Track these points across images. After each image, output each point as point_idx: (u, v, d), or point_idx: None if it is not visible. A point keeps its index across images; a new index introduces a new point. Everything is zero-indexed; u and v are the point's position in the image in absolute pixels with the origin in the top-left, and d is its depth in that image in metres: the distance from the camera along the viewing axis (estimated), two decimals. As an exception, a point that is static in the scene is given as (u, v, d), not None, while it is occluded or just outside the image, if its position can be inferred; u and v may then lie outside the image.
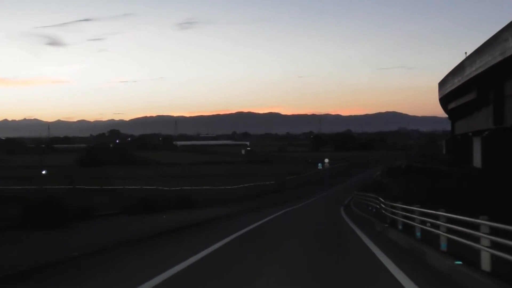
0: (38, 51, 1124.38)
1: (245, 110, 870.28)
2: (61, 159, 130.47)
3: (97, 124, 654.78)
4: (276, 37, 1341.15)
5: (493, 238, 9.38)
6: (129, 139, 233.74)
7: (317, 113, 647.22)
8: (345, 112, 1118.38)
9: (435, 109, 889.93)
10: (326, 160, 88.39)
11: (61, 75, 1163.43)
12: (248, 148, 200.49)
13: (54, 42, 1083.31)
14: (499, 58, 36.88)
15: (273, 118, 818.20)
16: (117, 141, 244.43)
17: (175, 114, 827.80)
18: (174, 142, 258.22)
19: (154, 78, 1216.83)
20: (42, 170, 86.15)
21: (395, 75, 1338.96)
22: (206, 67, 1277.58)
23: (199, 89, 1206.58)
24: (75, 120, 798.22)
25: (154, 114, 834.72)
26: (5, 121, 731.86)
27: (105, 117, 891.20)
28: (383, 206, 23.91)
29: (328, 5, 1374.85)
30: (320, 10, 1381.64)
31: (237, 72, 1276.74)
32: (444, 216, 12.49)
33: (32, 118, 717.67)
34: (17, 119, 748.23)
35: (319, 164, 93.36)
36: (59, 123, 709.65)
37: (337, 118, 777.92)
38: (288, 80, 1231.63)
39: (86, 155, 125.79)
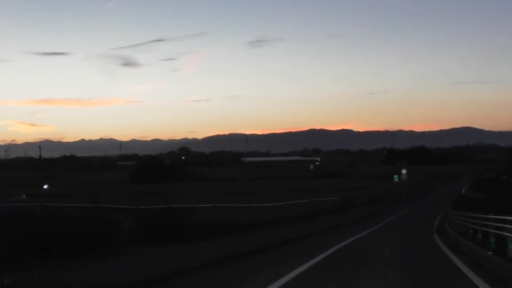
0: (113, 72, 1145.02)
1: (317, 127, 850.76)
2: (115, 176, 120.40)
3: (170, 142, 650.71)
4: (347, 53, 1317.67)
5: None
6: (183, 157, 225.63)
7: (390, 129, 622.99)
8: (418, 128, 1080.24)
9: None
10: (404, 171, 72.71)
11: (135, 95, 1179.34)
12: (317, 163, 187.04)
13: (128, 63, 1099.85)
14: None
15: (345, 134, 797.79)
16: (183, 157, 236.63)
17: (247, 132, 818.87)
18: (242, 159, 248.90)
19: (226, 96, 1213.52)
20: (44, 185, 74.40)
21: (470, 89, 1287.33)
22: (277, 85, 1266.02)
23: (271, 107, 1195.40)
24: (149, 139, 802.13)
25: (226, 132, 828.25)
26: (83, 140, 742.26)
27: (178, 136, 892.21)
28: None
29: (400, 20, 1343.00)
30: (392, 25, 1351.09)
31: (309, 89, 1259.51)
32: None
33: (108, 137, 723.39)
34: (93, 139, 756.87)
35: (395, 177, 78.43)
36: (133, 142, 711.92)
37: (411, 134, 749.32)
38: (360, 96, 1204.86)
39: (137, 172, 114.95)
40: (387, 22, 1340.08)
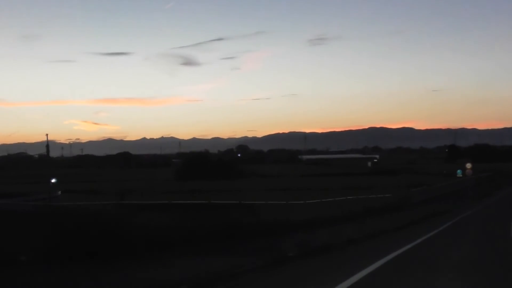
0: (174, 71, 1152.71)
1: (377, 125, 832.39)
2: (164, 173, 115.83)
3: (230, 141, 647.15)
4: (408, 51, 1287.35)
5: None
6: (239, 154, 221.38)
7: (452, 127, 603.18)
8: (481, 125, 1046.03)
9: None
10: (469, 165, 63.63)
11: (195, 94, 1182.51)
12: (375, 160, 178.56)
13: (188, 62, 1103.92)
14: None
15: (406, 132, 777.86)
16: (239, 155, 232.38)
17: (307, 130, 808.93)
18: (300, 156, 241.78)
19: (286, 95, 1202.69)
20: (52, 179, 69.88)
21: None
22: (337, 83, 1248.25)
23: (331, 105, 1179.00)
24: (209, 137, 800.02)
25: (286, 131, 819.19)
26: (144, 139, 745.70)
27: (238, 134, 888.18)
28: None
29: (463, 16, 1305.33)
30: (455, 22, 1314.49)
31: (369, 87, 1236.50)
32: None
33: (169, 136, 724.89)
34: (155, 137, 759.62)
35: (459, 171, 70.06)
36: (194, 141, 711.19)
37: (473, 132, 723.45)
38: (422, 94, 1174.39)
39: (183, 169, 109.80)
40: (449, 18, 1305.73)
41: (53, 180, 69.53)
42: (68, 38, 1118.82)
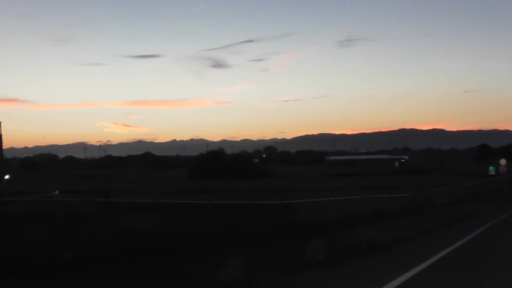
0: (203, 73, 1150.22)
1: (408, 126, 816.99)
2: (181, 173, 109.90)
3: (259, 143, 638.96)
4: (439, 52, 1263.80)
5: None
6: (264, 155, 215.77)
7: (483, 129, 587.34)
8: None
9: None
10: (503, 162, 54.98)
11: (224, 95, 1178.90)
12: (402, 161, 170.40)
13: (218, 64, 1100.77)
14: None
15: (437, 134, 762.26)
16: (263, 155, 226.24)
17: (336, 132, 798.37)
18: (327, 157, 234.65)
19: (315, 96, 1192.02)
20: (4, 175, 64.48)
21: None
22: (367, 84, 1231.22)
23: (360, 107, 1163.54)
24: (239, 139, 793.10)
25: (315, 132, 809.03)
26: (174, 141, 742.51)
27: (267, 136, 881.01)
28: None
29: (495, 17, 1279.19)
30: (486, 22, 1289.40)
31: (399, 89, 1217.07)
32: None
33: (199, 138, 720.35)
34: (184, 139, 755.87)
35: (491, 168, 62.15)
36: (224, 142, 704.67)
37: (506, 133, 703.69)
38: (453, 95, 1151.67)
39: (197, 168, 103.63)
40: (481, 19, 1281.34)
41: (6, 177, 64.08)
42: (99, 41, 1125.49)
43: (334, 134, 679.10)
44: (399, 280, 10.29)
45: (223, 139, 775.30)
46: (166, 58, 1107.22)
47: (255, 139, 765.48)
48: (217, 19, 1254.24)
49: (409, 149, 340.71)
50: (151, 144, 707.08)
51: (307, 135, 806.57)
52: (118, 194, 54.07)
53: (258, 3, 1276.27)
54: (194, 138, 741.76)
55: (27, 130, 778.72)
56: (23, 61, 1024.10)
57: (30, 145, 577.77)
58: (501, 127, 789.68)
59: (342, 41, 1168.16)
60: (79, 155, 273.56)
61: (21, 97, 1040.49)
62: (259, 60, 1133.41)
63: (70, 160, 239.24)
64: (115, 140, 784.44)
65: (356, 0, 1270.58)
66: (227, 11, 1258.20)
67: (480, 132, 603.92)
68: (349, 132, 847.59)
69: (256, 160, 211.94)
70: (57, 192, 58.28)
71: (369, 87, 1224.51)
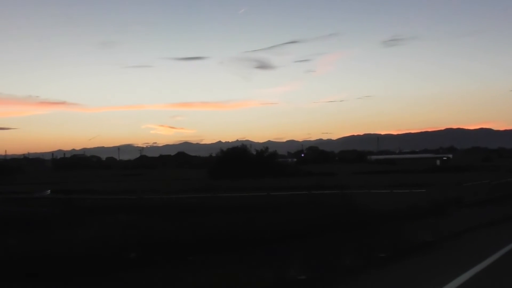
0: (248, 74, 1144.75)
1: (454, 126, 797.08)
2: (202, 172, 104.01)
3: (305, 143, 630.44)
4: (486, 50, 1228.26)
5: None
6: (303, 154, 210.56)
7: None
8: None
9: None
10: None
11: (269, 97, 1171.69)
12: (444, 159, 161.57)
13: (262, 65, 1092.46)
14: None
15: (485, 133, 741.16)
16: (302, 155, 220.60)
17: (382, 132, 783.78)
18: (369, 157, 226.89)
19: (360, 97, 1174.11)
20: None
21: None
22: (413, 84, 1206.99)
23: (406, 107, 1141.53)
24: (284, 140, 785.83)
25: (361, 133, 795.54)
26: (219, 142, 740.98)
27: (313, 137, 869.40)
28: None
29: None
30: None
31: (446, 88, 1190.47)
32: None
33: (244, 139, 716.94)
34: (230, 141, 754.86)
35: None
36: (269, 143, 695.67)
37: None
38: (500, 94, 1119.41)
39: (216, 167, 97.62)
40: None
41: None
42: (144, 44, 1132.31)
43: (380, 134, 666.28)
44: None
45: (269, 140, 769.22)
46: (211, 60, 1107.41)
47: (300, 140, 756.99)
48: (261, 21, 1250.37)
49: (455, 149, 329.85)
50: (197, 145, 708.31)
51: (353, 136, 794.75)
52: (109, 193, 48.33)
53: (302, 4, 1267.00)
54: (239, 139, 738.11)
55: (75, 132, 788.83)
56: (71, 64, 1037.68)
57: (77, 147, 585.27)
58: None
59: (387, 41, 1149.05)
60: (127, 156, 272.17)
61: (70, 100, 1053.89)
62: (304, 61, 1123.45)
63: (111, 161, 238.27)
64: (161, 142, 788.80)
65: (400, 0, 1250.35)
66: (271, 12, 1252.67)
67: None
68: (394, 132, 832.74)
69: (295, 159, 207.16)
70: (48, 191, 54.88)
71: (414, 87, 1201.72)
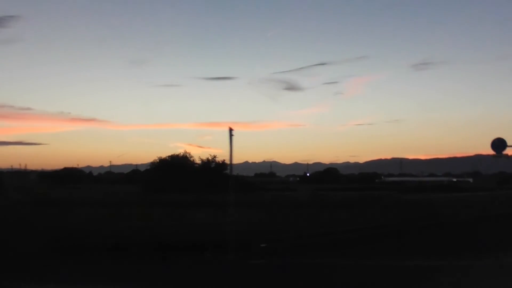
0: (276, 95, 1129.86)
1: (484, 152, 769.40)
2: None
3: (332, 166, 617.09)
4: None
5: None
6: (308, 174, 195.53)
7: None
8: None
9: None
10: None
11: (297, 118, 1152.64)
12: (454, 180, 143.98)
13: (290, 87, 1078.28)
14: None
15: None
16: (307, 174, 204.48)
17: (410, 156, 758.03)
18: (377, 179, 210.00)
19: (389, 120, 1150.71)
20: None
21: None
22: (443, 109, 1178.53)
23: (436, 131, 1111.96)
24: (311, 162, 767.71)
25: (389, 157, 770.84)
26: (246, 162, 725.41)
27: (340, 160, 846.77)
28: None
29: None
30: None
31: (475, 113, 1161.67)
32: None
33: (271, 160, 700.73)
34: (256, 161, 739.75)
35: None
36: (296, 165, 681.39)
37: None
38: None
39: (153, 179, 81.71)
40: None
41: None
42: (174, 63, 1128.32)
43: (408, 159, 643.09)
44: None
45: (295, 162, 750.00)
46: (239, 81, 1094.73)
47: (327, 163, 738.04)
48: (290, 42, 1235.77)
49: (480, 173, 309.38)
50: (223, 165, 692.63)
51: (380, 159, 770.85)
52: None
53: (331, 26, 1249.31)
54: (266, 160, 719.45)
55: (103, 149, 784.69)
56: (101, 82, 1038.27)
57: (105, 164, 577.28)
58: None
59: (417, 64, 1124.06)
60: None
61: (100, 117, 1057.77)
62: (333, 83, 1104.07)
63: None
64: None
65: (431, 23, 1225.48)
66: (300, 34, 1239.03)
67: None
68: (423, 157, 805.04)
69: (297, 178, 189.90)
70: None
71: (444, 111, 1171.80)
